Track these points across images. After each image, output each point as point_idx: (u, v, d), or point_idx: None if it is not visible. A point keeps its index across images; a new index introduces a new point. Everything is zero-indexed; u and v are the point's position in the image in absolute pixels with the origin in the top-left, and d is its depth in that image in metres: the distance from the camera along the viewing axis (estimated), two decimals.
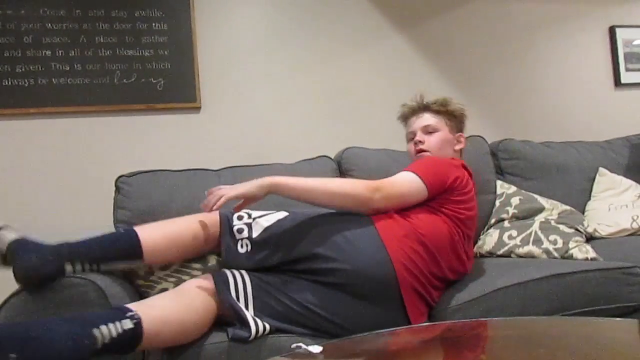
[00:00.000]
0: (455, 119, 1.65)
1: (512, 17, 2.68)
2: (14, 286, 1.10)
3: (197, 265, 1.32)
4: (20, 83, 1.99)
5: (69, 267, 1.12)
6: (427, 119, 1.62)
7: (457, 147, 1.65)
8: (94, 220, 2.03)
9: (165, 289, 1.26)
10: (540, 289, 1.42)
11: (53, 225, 2.02)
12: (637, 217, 1.94)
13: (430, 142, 1.59)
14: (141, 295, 1.27)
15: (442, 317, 1.31)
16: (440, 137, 1.60)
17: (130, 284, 1.25)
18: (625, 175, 2.20)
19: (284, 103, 2.32)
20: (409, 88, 2.49)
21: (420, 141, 1.59)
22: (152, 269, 1.27)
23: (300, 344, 0.76)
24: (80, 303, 1.09)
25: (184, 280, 1.28)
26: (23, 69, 2.00)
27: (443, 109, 1.63)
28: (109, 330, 0.94)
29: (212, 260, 1.36)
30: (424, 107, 1.65)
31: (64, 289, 1.08)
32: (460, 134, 1.67)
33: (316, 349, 0.73)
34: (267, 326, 1.13)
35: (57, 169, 2.05)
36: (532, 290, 1.40)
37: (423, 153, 1.58)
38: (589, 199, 2.16)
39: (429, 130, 1.61)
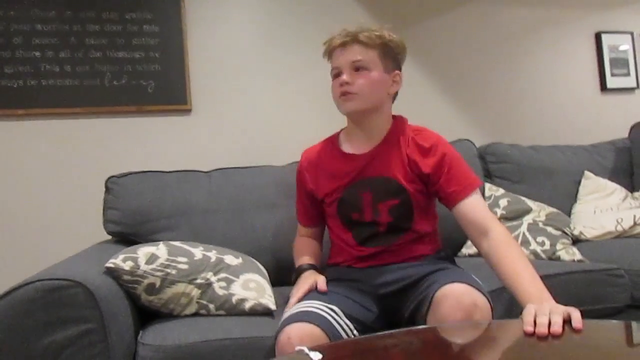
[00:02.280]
0: (392, 52, 1.29)
1: (500, 22, 2.71)
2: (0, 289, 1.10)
3: (183, 259, 1.33)
4: (9, 84, 1.98)
5: None
6: (356, 52, 1.25)
7: (392, 90, 1.31)
8: (84, 220, 2.02)
9: (152, 284, 1.26)
10: None
11: (42, 226, 2.01)
12: (622, 220, 1.97)
13: (359, 84, 1.23)
14: (127, 292, 1.27)
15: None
16: (372, 78, 1.24)
17: (115, 280, 1.25)
18: (610, 179, 2.24)
19: (275, 105, 2.33)
20: (400, 90, 2.51)
21: (346, 82, 1.23)
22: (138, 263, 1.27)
23: (304, 348, 0.77)
24: (69, 306, 1.08)
25: (172, 275, 1.28)
26: (12, 70, 1.98)
27: (376, 41, 1.26)
28: None
29: (198, 255, 1.36)
30: (353, 38, 1.26)
31: (52, 291, 1.08)
32: (396, 72, 1.31)
33: (316, 355, 0.73)
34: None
35: (47, 170, 2.03)
36: None
37: (349, 96, 1.24)
38: (575, 201, 2.19)
39: (357, 67, 1.25)
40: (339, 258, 1.34)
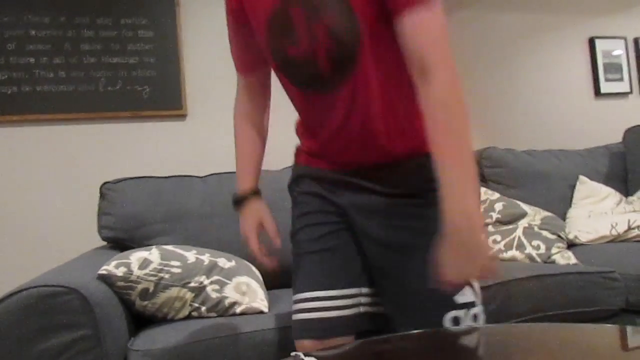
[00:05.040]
0: None
1: (495, 28, 2.73)
2: None
3: (177, 263, 1.32)
4: (2, 90, 1.97)
5: None
6: None
7: None
8: (79, 226, 2.02)
9: (145, 289, 1.26)
10: (521, 289, 1.44)
11: (36, 233, 2.00)
12: (616, 224, 1.98)
13: None
14: (121, 298, 1.26)
15: None
16: None
17: (109, 286, 1.24)
18: (605, 183, 2.25)
19: (270, 109, 2.33)
20: None
21: None
22: (131, 268, 1.26)
23: (299, 353, 0.77)
24: (63, 312, 1.08)
25: (165, 279, 1.28)
26: (6, 76, 1.98)
27: None
28: None
29: (192, 258, 1.36)
30: None
31: (47, 298, 1.07)
32: None
33: None
34: None
35: (41, 176, 2.03)
36: (513, 290, 1.43)
37: None
38: (570, 206, 2.20)
39: None
40: (302, 146, 1.14)
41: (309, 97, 0.99)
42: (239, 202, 1.14)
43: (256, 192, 1.16)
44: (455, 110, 0.82)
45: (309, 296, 1.00)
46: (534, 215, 1.99)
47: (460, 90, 0.83)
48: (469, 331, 0.85)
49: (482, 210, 0.73)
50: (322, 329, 0.99)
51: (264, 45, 1.00)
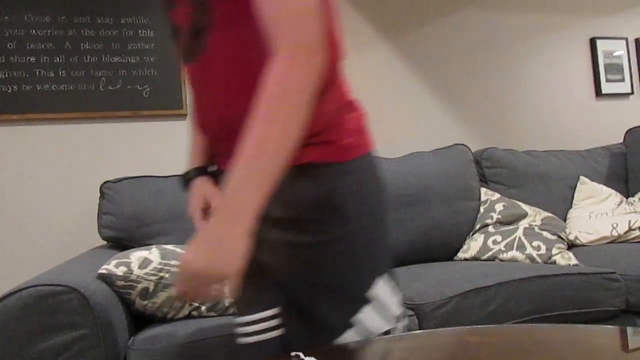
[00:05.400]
0: None
1: (496, 28, 2.73)
2: None
3: (177, 263, 1.32)
4: (3, 89, 1.97)
5: None
6: None
7: None
8: (79, 226, 2.02)
9: (145, 289, 1.26)
10: (521, 290, 1.45)
11: (37, 232, 2.00)
12: (617, 225, 1.98)
13: None
14: (121, 297, 1.26)
15: (424, 312, 1.33)
16: None
17: (109, 286, 1.24)
18: (606, 184, 2.25)
19: None
20: (394, 97, 2.53)
21: None
22: (131, 268, 1.26)
23: (299, 353, 0.76)
24: (63, 312, 1.08)
25: (165, 279, 1.28)
26: (7, 75, 1.98)
27: None
28: None
29: None
30: None
31: (47, 297, 1.07)
32: None
33: None
34: None
35: (42, 175, 2.03)
36: (514, 290, 1.43)
37: None
38: (570, 207, 2.20)
39: None
40: None
41: (189, 74, 0.86)
42: (184, 182, 1.01)
43: (203, 170, 1.00)
44: (286, 99, 0.66)
45: (238, 321, 0.95)
46: (535, 215, 1.99)
47: (303, 80, 0.67)
48: (470, 331, 0.85)
49: (246, 238, 0.68)
50: (254, 353, 0.92)
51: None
